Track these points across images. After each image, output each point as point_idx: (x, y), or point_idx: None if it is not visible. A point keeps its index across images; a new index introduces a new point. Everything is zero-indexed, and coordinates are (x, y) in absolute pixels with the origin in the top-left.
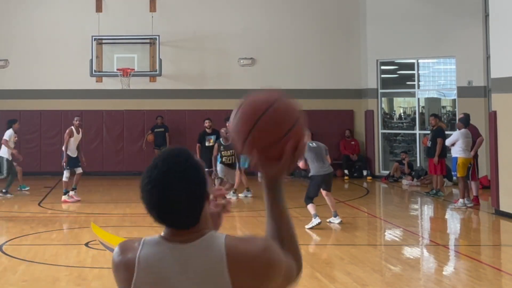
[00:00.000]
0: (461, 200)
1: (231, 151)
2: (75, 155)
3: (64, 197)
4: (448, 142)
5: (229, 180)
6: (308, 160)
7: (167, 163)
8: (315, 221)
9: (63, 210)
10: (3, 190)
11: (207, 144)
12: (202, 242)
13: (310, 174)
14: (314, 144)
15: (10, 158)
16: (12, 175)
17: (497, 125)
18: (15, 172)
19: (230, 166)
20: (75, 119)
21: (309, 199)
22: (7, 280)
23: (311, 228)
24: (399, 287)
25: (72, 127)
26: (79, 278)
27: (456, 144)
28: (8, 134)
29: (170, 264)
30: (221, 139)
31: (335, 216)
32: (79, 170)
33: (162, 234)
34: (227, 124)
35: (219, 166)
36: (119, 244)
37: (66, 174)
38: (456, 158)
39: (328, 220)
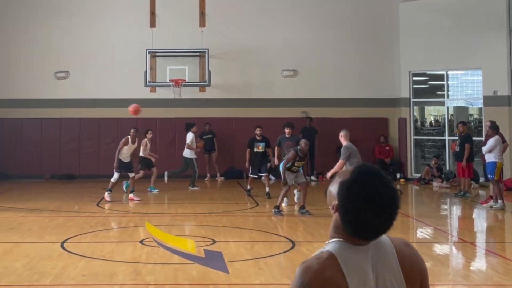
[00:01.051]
0: (500, 201)
1: (303, 162)
2: (127, 161)
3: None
4: (487, 148)
5: (300, 180)
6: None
7: (389, 181)
8: None
9: (120, 210)
10: (191, 184)
11: (255, 150)
12: (377, 241)
13: None
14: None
15: (196, 157)
16: (196, 172)
17: None
18: (195, 169)
19: (295, 172)
20: (132, 130)
21: None
22: (68, 274)
23: None
24: (429, 281)
25: (129, 136)
26: (134, 273)
27: (494, 150)
28: (190, 137)
29: (370, 263)
30: (299, 149)
31: None
32: (131, 174)
33: (340, 240)
34: (285, 130)
35: (287, 173)
36: (308, 269)
37: (115, 176)
38: (493, 163)
39: None
